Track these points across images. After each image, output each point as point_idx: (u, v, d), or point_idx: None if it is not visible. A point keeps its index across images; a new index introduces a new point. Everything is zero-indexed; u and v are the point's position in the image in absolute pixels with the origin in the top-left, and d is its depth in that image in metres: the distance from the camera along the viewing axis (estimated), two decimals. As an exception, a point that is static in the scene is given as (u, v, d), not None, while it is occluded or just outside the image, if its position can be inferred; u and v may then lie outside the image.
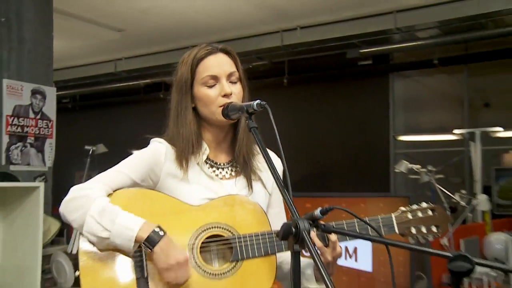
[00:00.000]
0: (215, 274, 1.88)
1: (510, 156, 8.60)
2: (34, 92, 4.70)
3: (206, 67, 1.99)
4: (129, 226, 1.80)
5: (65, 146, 4.98)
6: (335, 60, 8.99)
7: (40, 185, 4.02)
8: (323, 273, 1.36)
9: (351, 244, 3.37)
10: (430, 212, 1.98)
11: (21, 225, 4.05)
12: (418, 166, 5.29)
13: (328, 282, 1.32)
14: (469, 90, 9.15)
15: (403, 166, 5.36)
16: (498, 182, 8.31)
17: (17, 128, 4.59)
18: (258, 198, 2.03)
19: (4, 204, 4.14)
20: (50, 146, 4.81)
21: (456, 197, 4.84)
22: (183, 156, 1.98)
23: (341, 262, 3.34)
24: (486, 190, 7.63)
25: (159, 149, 2.01)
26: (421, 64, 9.01)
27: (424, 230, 1.96)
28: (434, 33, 7.91)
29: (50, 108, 4.82)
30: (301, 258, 1.54)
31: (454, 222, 4.41)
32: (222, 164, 2.08)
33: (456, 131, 6.48)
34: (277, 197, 2.15)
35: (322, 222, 1.73)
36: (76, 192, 1.92)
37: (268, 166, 1.74)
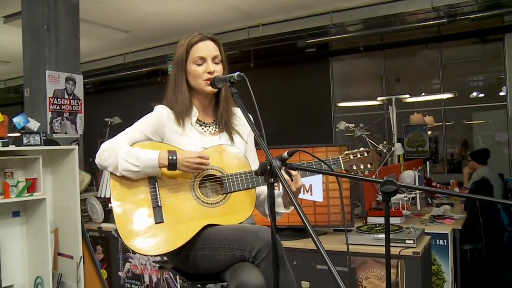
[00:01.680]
0: (211, 203, 1.91)
1: (414, 116, 8.71)
2: (67, 79, 4.66)
3: (197, 50, 2.00)
4: (151, 157, 1.85)
5: (89, 120, 4.96)
6: (288, 48, 8.87)
7: (75, 147, 4.05)
8: (291, 196, 1.39)
9: (308, 181, 3.38)
10: (366, 154, 1.99)
11: (64, 177, 4.08)
12: (353, 125, 5.36)
13: (295, 202, 1.34)
14: (385, 69, 9.23)
15: (342, 125, 5.39)
16: (407, 135, 8.44)
17: (56, 107, 4.57)
18: (238, 147, 2.05)
19: (51, 162, 4.17)
20: (80, 119, 4.79)
21: (380, 146, 4.91)
22: (180, 117, 1.99)
23: (300, 196, 3.36)
24: (400, 141, 7.78)
25: (162, 112, 2.01)
26: (351, 51, 9.02)
27: (362, 166, 1.97)
28: (359, 28, 7.87)
29: (79, 91, 4.79)
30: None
31: (380, 165, 4.49)
32: (208, 123, 2.07)
33: (379, 98, 6.54)
34: (251, 145, 2.17)
35: (289, 162, 1.77)
36: (106, 145, 1.93)
37: (247, 121, 1.75)
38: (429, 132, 8.71)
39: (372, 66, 9.79)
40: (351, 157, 1.98)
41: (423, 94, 7.86)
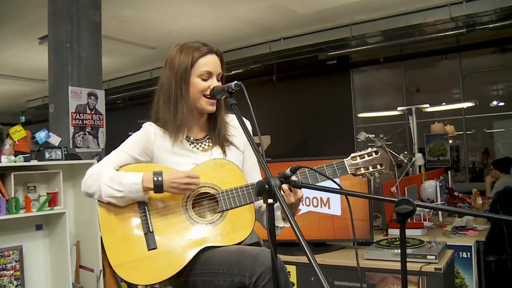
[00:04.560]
0: (207, 224, 1.69)
1: (435, 126, 8.43)
2: (89, 95, 4.56)
3: (205, 63, 1.75)
4: (134, 181, 1.64)
5: (117, 133, 4.85)
6: (309, 61, 8.74)
7: (96, 161, 3.96)
8: (287, 213, 1.19)
9: (325, 194, 3.17)
10: (374, 154, 1.75)
11: (85, 191, 4.01)
12: (373, 135, 5.15)
13: (290, 219, 1.17)
14: (405, 80, 9.00)
15: (363, 135, 5.19)
16: (428, 145, 8.16)
17: (79, 121, 4.46)
18: (234, 158, 1.82)
19: (73, 176, 4.12)
20: (102, 133, 4.66)
21: (401, 156, 4.70)
22: (173, 135, 1.77)
23: (318, 210, 3.20)
24: (421, 151, 7.50)
25: (149, 130, 1.78)
26: (371, 62, 8.86)
27: (370, 168, 1.74)
28: (378, 40, 7.71)
29: (101, 106, 4.66)
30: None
31: (401, 175, 4.28)
32: (199, 139, 1.84)
33: (399, 108, 6.32)
34: (249, 153, 1.91)
35: (293, 179, 1.54)
36: (90, 172, 1.73)
37: (247, 137, 1.55)
38: (450, 141, 8.43)
39: (392, 77, 9.57)
40: (358, 159, 1.75)
41: (444, 103, 7.57)
